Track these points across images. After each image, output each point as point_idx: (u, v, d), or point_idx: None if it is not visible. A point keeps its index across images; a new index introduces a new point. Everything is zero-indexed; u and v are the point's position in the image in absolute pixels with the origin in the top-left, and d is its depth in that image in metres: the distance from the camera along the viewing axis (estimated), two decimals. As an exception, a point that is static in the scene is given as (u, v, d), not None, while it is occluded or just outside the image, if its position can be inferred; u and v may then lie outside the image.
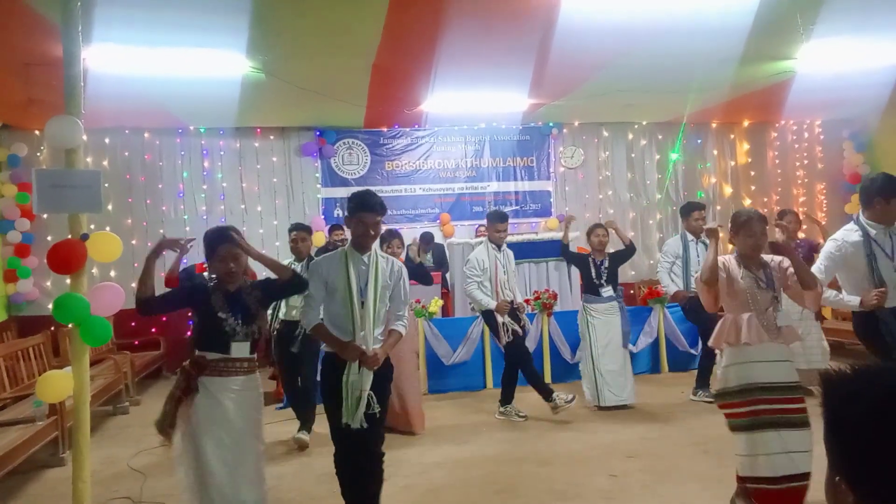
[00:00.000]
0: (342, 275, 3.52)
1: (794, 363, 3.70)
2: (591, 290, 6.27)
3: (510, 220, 9.70)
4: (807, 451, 3.50)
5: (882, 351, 4.01)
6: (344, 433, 3.49)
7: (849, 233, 4.05)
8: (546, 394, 5.85)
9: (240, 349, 3.30)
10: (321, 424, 5.70)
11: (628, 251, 6.32)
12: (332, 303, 3.56)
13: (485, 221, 6.41)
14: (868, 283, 3.94)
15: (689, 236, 6.47)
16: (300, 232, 5.79)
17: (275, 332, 5.63)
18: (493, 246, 6.02)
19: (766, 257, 3.75)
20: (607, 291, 6.20)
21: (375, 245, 3.74)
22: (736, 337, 3.58)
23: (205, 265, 3.95)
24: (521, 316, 5.98)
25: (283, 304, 5.61)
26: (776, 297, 3.65)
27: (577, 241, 8.53)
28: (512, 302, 5.90)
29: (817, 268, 4.13)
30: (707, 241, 6.36)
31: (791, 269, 3.67)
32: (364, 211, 3.54)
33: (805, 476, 3.52)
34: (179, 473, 3.30)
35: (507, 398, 6.04)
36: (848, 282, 4.09)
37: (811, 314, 6.11)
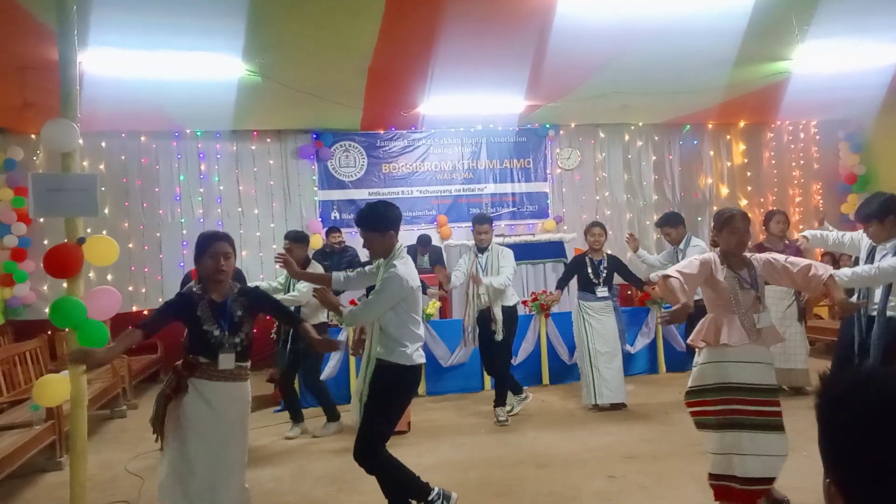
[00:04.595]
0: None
1: (772, 366, 3.66)
2: (587, 288, 6.27)
3: (508, 223, 9.84)
4: (780, 456, 3.46)
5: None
6: None
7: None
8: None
9: (226, 360, 3.29)
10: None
11: (636, 284, 6.49)
12: None
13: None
14: None
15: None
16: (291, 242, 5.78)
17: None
18: (476, 248, 6.21)
19: (751, 257, 3.72)
20: (602, 292, 6.21)
21: (402, 250, 3.67)
22: (715, 337, 3.56)
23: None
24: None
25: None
26: (759, 297, 3.61)
27: (575, 241, 8.56)
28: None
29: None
30: (680, 252, 6.29)
31: (789, 262, 3.65)
32: (358, 226, 3.68)
33: (770, 480, 3.49)
34: (160, 467, 3.31)
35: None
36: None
37: (794, 314, 6.08)
